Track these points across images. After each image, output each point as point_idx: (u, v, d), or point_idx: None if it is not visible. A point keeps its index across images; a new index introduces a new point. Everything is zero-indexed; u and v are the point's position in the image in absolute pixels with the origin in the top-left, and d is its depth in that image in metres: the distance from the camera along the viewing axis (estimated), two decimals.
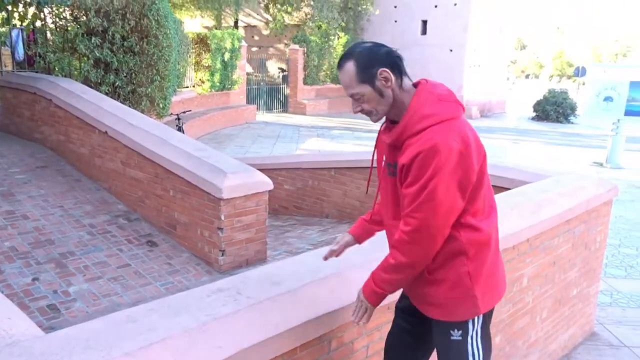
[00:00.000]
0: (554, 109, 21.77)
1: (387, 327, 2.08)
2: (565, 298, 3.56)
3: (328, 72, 22.64)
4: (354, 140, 14.26)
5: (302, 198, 5.92)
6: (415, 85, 1.72)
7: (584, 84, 20.82)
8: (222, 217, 3.88)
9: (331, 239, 4.58)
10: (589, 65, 13.47)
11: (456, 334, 1.73)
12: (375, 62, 1.65)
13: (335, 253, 1.94)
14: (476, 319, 1.73)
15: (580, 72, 23.82)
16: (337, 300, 1.84)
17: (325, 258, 1.94)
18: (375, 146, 1.89)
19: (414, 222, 1.59)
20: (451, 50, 22.12)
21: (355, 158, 5.13)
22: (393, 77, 1.66)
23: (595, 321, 4.16)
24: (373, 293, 1.72)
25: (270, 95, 20.88)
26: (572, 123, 21.73)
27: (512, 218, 2.86)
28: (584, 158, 12.99)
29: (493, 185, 4.37)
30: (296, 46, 20.64)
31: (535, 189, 3.49)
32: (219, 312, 1.65)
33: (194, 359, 1.46)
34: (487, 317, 1.79)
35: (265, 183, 4.09)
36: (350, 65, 1.66)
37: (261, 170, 4.18)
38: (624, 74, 10.80)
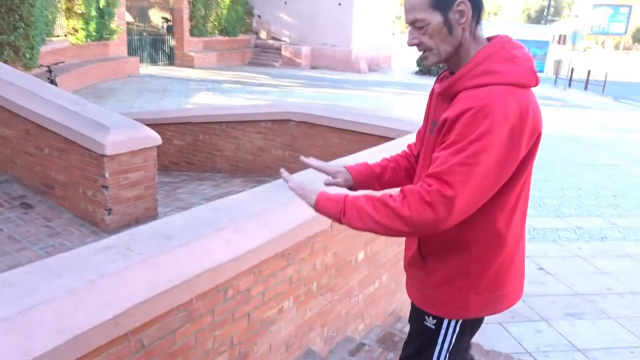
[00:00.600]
0: None
1: (282, 274, 2.15)
2: None
3: (216, 24, 21.74)
4: (245, 94, 14.00)
5: (193, 153, 5.77)
6: (489, 40, 1.42)
7: None
8: (107, 175, 3.67)
9: (225, 193, 4.54)
10: None
11: (430, 322, 1.55)
12: None
13: (333, 181, 1.71)
14: (461, 320, 1.52)
15: None
16: (231, 251, 1.85)
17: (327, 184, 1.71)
18: (428, 102, 1.57)
19: (439, 185, 1.27)
20: (340, 4, 22.21)
21: (247, 111, 5.07)
22: (470, 15, 1.35)
23: None
24: (331, 204, 1.42)
25: (154, 46, 19.63)
26: None
27: None
28: None
29: (379, 136, 4.57)
30: None
31: None
32: (107, 270, 1.59)
33: (82, 318, 1.40)
34: (476, 322, 1.57)
35: (152, 138, 3.91)
36: None
37: (148, 125, 3.98)
38: (496, 31, 11.68)
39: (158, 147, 3.93)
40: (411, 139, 3.70)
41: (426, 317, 1.55)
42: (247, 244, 1.91)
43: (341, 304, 2.72)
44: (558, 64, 24.55)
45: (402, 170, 1.70)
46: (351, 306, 2.83)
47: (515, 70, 1.32)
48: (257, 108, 5.25)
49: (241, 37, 23.22)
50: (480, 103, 1.26)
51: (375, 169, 1.69)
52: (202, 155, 5.68)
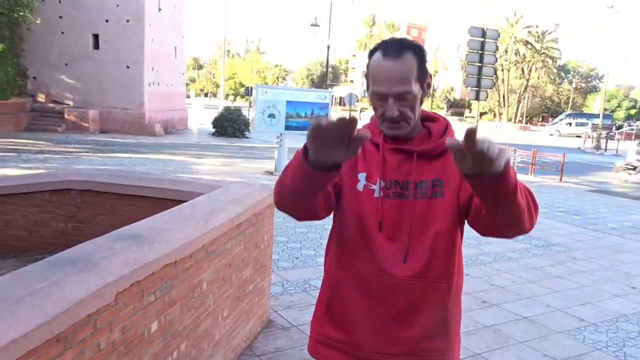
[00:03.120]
0: (230, 125, 23.68)
1: None
2: (243, 295, 3.93)
3: None
4: (20, 163, 12.46)
5: None
6: None
7: (252, 102, 23.40)
8: None
9: None
10: (254, 86, 15.24)
11: None
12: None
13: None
14: None
15: (250, 92, 26.63)
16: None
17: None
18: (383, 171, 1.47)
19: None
20: (128, 67, 21.63)
21: (16, 183, 4.51)
22: None
23: (271, 310, 4.72)
24: (513, 172, 1.26)
25: None
26: (247, 137, 24.06)
27: (187, 228, 3.01)
28: (258, 168, 14.54)
29: (172, 200, 4.48)
30: None
31: (208, 199, 3.75)
32: None
33: None
34: None
35: None
36: (410, 57, 1.37)
37: None
38: (281, 95, 12.64)
39: None
40: (202, 199, 3.72)
41: None
42: (9, 334, 1.68)
43: None
44: None
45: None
46: None
47: None
48: (29, 178, 4.71)
49: (14, 100, 20.84)
50: None
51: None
52: None
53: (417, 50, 1.38)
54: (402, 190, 1.44)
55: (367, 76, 1.43)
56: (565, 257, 7.37)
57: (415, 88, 1.38)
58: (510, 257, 7.12)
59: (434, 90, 69.74)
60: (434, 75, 68.48)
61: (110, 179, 4.57)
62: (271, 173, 13.57)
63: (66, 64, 21.53)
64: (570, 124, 45.55)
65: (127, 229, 2.83)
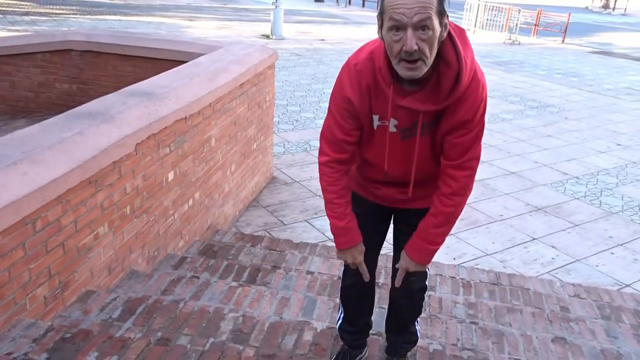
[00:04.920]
0: None
1: (92, 201, 2.17)
2: (248, 152, 4.17)
3: None
4: (7, 25, 12.05)
5: None
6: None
7: None
8: None
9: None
10: None
11: None
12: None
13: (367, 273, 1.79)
14: None
15: None
16: (32, 183, 1.82)
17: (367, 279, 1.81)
18: (382, 111, 1.56)
19: (475, 163, 1.57)
20: None
21: (16, 43, 4.49)
22: None
23: (274, 167, 5.01)
24: (430, 254, 1.69)
25: None
26: None
27: (193, 87, 3.12)
28: (254, 31, 14.11)
29: (172, 60, 4.53)
30: None
31: (210, 59, 3.81)
32: None
33: None
34: None
35: None
36: None
37: None
38: None
39: None
40: (204, 59, 3.77)
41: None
42: (48, 175, 1.89)
43: (158, 224, 2.83)
44: None
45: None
46: (168, 225, 2.96)
47: (469, 48, 1.46)
48: (29, 38, 4.68)
49: None
50: (484, 93, 1.48)
51: (352, 219, 1.73)
52: None
53: None
54: (410, 132, 1.57)
55: (381, 14, 1.38)
56: (558, 117, 7.57)
57: (436, 22, 1.33)
58: (504, 119, 7.32)
59: None
60: None
61: (111, 39, 4.55)
62: (267, 37, 13.21)
63: None
64: None
65: (137, 86, 2.95)
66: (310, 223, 4.13)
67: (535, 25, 16.68)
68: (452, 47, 1.42)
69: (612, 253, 3.88)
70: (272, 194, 4.56)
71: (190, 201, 3.23)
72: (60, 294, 2.07)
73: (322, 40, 13.65)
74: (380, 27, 1.39)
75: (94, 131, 2.24)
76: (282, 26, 13.29)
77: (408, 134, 1.56)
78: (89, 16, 14.53)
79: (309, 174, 4.98)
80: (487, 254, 3.76)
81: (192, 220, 3.29)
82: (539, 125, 7.10)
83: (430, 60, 1.36)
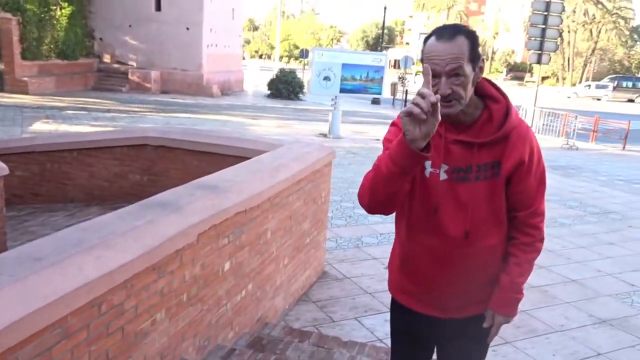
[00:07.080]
0: (285, 87, 23.99)
1: (154, 287, 2.28)
2: (301, 246, 4.26)
3: (52, 46, 20.24)
4: (91, 121, 13.28)
5: (39, 184, 5.45)
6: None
7: (307, 64, 23.47)
8: None
9: (81, 222, 4.40)
10: (311, 49, 15.33)
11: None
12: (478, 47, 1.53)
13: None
14: None
15: (304, 54, 26.70)
16: (103, 267, 1.96)
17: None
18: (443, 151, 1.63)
19: (542, 207, 1.70)
20: (188, 29, 22.15)
21: (101, 137, 4.98)
22: None
23: (325, 262, 5.05)
24: (517, 303, 1.74)
25: None
26: (301, 100, 24.33)
27: (255, 182, 3.32)
28: (312, 130, 14.81)
29: (236, 156, 4.83)
30: (8, 14, 17.83)
31: (272, 156, 4.05)
32: None
33: None
34: None
35: None
36: (462, 39, 1.49)
37: None
38: (337, 58, 12.71)
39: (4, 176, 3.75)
40: (266, 157, 4.02)
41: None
42: (119, 259, 2.03)
43: (211, 313, 2.90)
44: (394, 86, 27.05)
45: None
46: (220, 315, 3.02)
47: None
48: (112, 134, 5.18)
49: (82, 60, 21.90)
50: (531, 135, 1.63)
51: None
52: (51, 185, 5.40)
53: (469, 34, 1.52)
54: (465, 174, 1.60)
55: (422, 60, 1.55)
56: (621, 224, 7.29)
57: (468, 69, 1.49)
58: (562, 223, 7.12)
59: (494, 53, 66.97)
60: (494, 36, 65.65)
61: (182, 135, 4.95)
62: (325, 135, 13.80)
63: (130, 26, 22.32)
64: (589, 86, 44.14)
65: (204, 179, 3.17)
66: (359, 321, 4.06)
67: (594, 131, 16.57)
68: (491, 85, 1.64)
69: None
70: (322, 289, 4.56)
71: (244, 292, 3.30)
72: None
73: (377, 140, 14.09)
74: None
75: (164, 220, 2.41)
76: (339, 126, 13.89)
77: (462, 176, 1.60)
78: (162, 114, 15.80)
79: (360, 271, 4.97)
80: None
81: (243, 311, 3.33)
82: (601, 232, 6.85)
83: (465, 100, 1.53)
